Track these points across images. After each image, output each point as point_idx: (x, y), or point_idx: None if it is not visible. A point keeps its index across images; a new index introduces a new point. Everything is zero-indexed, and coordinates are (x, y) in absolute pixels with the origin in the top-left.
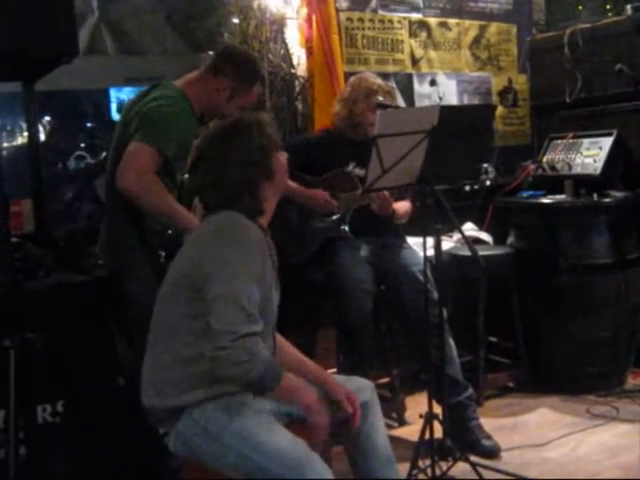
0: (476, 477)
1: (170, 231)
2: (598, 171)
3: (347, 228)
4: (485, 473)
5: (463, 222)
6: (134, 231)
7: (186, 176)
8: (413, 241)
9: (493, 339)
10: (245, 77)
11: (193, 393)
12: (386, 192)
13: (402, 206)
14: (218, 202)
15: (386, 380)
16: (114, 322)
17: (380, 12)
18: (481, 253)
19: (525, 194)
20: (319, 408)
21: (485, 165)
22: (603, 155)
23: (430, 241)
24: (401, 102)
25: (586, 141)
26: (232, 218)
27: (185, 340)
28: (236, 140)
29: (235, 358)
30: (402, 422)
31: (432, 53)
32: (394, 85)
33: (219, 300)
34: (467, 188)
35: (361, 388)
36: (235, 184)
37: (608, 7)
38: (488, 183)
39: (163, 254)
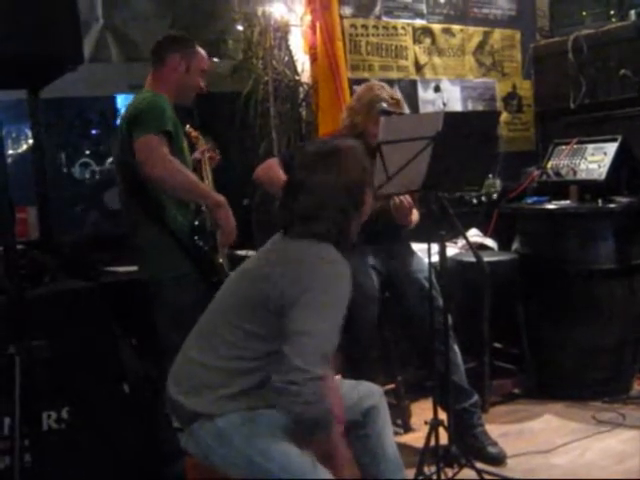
0: None
1: (197, 222)
2: (603, 177)
3: None
4: None
5: (468, 228)
6: (162, 232)
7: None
8: (418, 247)
9: (498, 345)
10: (182, 43)
11: (228, 404)
12: (408, 200)
13: (414, 214)
14: (310, 231)
15: (391, 386)
16: (119, 329)
17: (384, 19)
18: (486, 259)
19: (530, 200)
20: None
21: (491, 177)
22: (608, 161)
23: (435, 247)
24: (405, 109)
25: (590, 147)
26: (330, 253)
27: (241, 354)
28: (337, 167)
29: (303, 397)
30: (407, 428)
31: (436, 59)
32: (398, 92)
33: (305, 337)
34: (475, 201)
35: (370, 393)
36: (335, 214)
37: (612, 13)
38: (495, 196)
39: (201, 243)
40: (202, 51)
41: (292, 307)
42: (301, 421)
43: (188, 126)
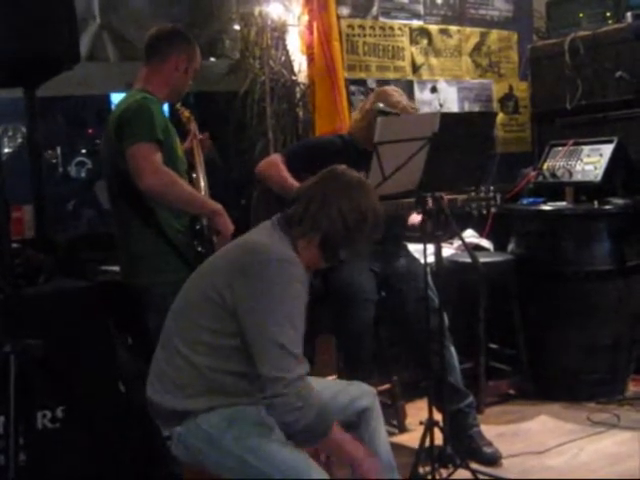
0: None
1: (198, 226)
2: (599, 178)
3: None
4: None
5: (463, 229)
6: (158, 236)
7: None
8: (414, 248)
9: (494, 346)
10: (187, 41)
11: (199, 400)
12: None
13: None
14: (293, 220)
15: (386, 387)
16: (115, 328)
17: (381, 19)
18: (482, 260)
19: (526, 201)
20: (368, 464)
21: (492, 191)
22: (604, 162)
23: (431, 248)
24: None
25: (586, 148)
26: (279, 251)
27: (201, 350)
28: (358, 198)
29: (290, 405)
30: (402, 429)
31: (433, 60)
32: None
33: (268, 345)
34: (475, 213)
35: (363, 394)
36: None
37: (608, 14)
38: (494, 210)
39: (200, 248)
40: (198, 50)
41: (245, 311)
42: (299, 430)
43: (179, 104)
